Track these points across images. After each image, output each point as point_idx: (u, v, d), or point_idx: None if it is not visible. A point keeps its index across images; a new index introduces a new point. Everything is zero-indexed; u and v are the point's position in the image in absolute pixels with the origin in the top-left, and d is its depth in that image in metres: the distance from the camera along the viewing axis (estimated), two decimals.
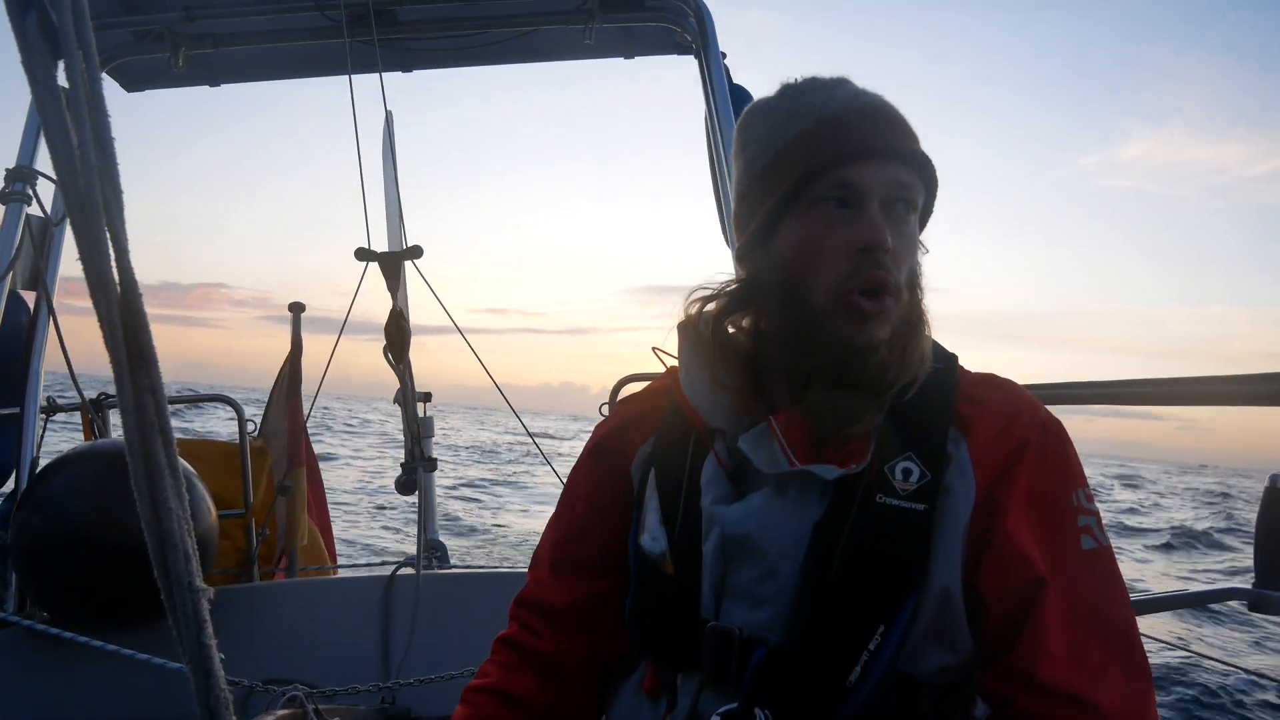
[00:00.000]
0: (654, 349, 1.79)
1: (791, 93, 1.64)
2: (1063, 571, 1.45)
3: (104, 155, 0.77)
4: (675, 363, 1.74)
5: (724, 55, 4.16)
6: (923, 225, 1.64)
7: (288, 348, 5.66)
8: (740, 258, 1.71)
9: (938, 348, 1.66)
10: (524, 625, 1.80)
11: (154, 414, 0.83)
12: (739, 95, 4.17)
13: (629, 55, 4.45)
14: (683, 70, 4.36)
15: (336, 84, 4.40)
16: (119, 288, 0.80)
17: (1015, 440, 1.51)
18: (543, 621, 1.78)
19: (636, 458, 1.78)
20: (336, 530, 7.14)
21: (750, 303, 1.68)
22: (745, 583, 1.53)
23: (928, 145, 1.62)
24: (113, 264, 0.79)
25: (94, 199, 0.76)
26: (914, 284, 1.59)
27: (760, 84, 1.73)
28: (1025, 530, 1.46)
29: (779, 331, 1.62)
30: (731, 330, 1.71)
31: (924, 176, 1.59)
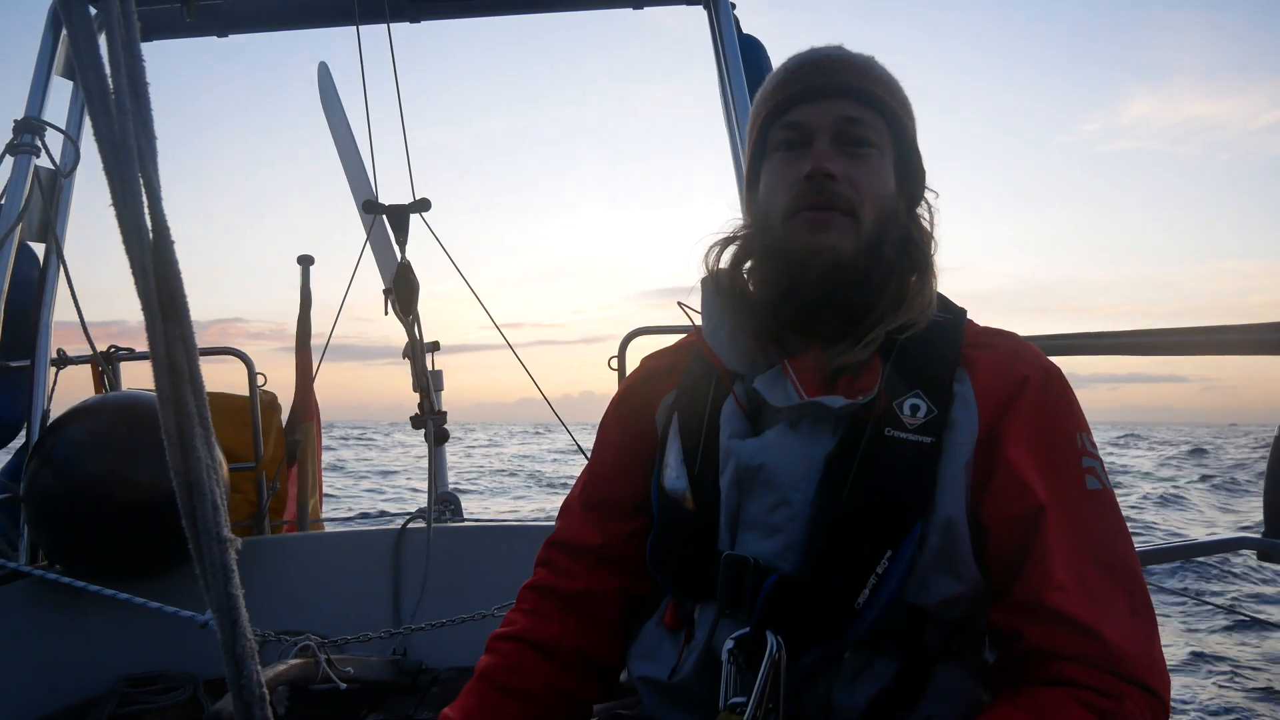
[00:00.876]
0: (679, 303, 1.86)
1: (789, 58, 1.77)
2: (1067, 506, 1.50)
3: (138, 100, 0.76)
4: (698, 319, 1.81)
5: (733, 5, 4.12)
6: (907, 164, 1.74)
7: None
8: (745, 207, 1.84)
9: (947, 301, 1.74)
10: (553, 567, 1.87)
11: (185, 363, 0.83)
12: (749, 45, 4.15)
13: (638, 5, 4.40)
14: (693, 19, 4.33)
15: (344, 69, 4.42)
16: (151, 235, 0.79)
17: (1017, 377, 1.58)
18: (574, 561, 1.85)
19: (660, 406, 1.86)
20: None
21: (754, 248, 1.76)
22: (758, 512, 1.58)
23: (928, 117, 1.67)
24: (145, 211, 0.78)
25: (129, 146, 0.75)
26: (896, 222, 1.68)
27: (771, 33, 1.77)
28: (1027, 461, 1.52)
29: (763, 270, 1.72)
30: (747, 277, 1.78)
31: (882, 112, 1.69)
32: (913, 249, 1.70)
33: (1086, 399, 1.68)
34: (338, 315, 4.82)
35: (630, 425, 1.91)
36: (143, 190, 0.78)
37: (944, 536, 1.51)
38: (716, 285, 1.77)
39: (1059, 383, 1.61)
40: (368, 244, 4.78)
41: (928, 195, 1.78)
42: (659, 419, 1.85)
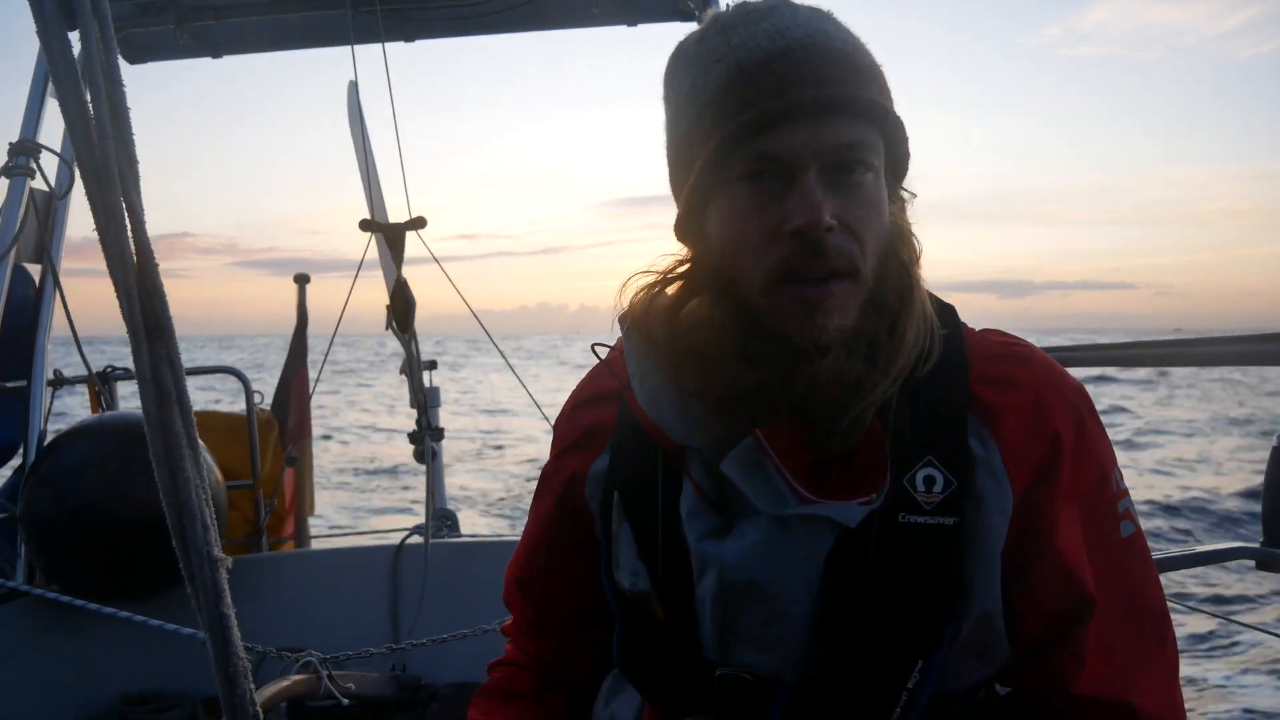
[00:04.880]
0: (593, 347, 1.53)
1: (714, 30, 1.32)
2: (1104, 568, 1.33)
3: (119, 125, 0.77)
4: (621, 359, 1.47)
5: None
6: (900, 173, 1.37)
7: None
8: (678, 233, 1.42)
9: (934, 302, 1.40)
10: (514, 642, 1.75)
11: (171, 385, 0.83)
12: None
13: (632, 23, 4.42)
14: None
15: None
16: (135, 258, 0.80)
17: (1051, 433, 1.32)
18: (521, 620, 1.71)
19: (589, 477, 1.54)
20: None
21: (700, 287, 1.38)
22: (751, 626, 1.34)
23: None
24: (129, 234, 0.79)
25: (110, 170, 0.76)
26: (893, 252, 1.33)
27: None
28: (1076, 544, 1.32)
29: (723, 329, 1.32)
30: (689, 320, 1.38)
31: (881, 123, 1.28)
32: (902, 272, 1.34)
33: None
34: (333, 336, 4.83)
35: (558, 510, 1.61)
36: (125, 214, 0.79)
37: (977, 630, 1.30)
38: (648, 335, 1.39)
39: (1091, 422, 1.37)
40: (376, 259, 4.78)
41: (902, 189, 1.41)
42: (590, 495, 1.53)
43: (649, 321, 1.39)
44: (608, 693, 1.60)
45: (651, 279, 1.43)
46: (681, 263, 1.42)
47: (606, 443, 1.52)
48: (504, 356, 5.11)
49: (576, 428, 1.61)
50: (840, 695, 1.29)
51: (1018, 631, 1.33)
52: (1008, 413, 1.32)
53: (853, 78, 1.25)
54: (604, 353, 1.54)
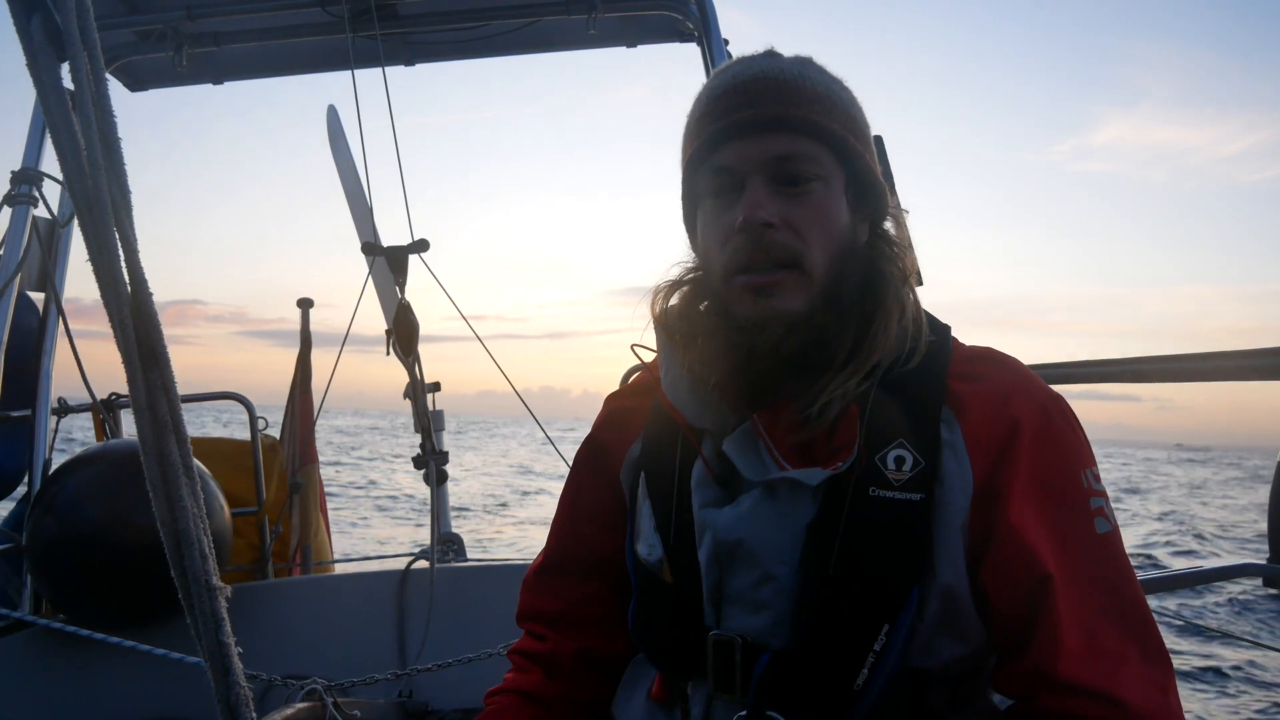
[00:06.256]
0: (633, 346, 1.72)
1: (713, 75, 1.60)
2: (1078, 560, 1.40)
3: (111, 155, 0.77)
4: (653, 358, 1.70)
5: (726, 42, 4.13)
6: (861, 184, 1.55)
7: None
8: (691, 244, 1.67)
9: (930, 320, 1.58)
10: (529, 632, 1.84)
11: (167, 413, 0.83)
12: None
13: (631, 44, 4.41)
14: (685, 56, 4.41)
15: (312, 84, 4.44)
16: (129, 287, 0.80)
17: (1009, 420, 1.44)
18: (541, 625, 1.81)
19: (625, 461, 1.74)
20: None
21: (705, 293, 1.61)
22: (742, 588, 1.48)
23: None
24: (122, 264, 0.79)
25: (102, 199, 0.76)
26: (856, 257, 1.53)
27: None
28: (1031, 522, 1.40)
29: (712, 342, 1.54)
30: (703, 319, 1.59)
31: (822, 138, 1.49)
32: (878, 280, 1.53)
33: None
34: (336, 362, 4.83)
35: (590, 487, 1.81)
36: (119, 244, 0.79)
37: (944, 602, 1.41)
38: (669, 333, 1.62)
39: (1059, 418, 1.47)
40: (369, 284, 4.77)
41: (893, 209, 1.61)
42: (624, 476, 1.73)
43: (667, 319, 1.63)
44: (626, 682, 1.73)
45: (672, 281, 1.66)
46: (691, 270, 1.66)
47: (640, 431, 1.73)
48: (544, 430, 5.04)
49: (612, 411, 1.84)
50: (814, 658, 1.41)
51: (988, 608, 1.43)
52: (973, 400, 1.47)
53: (791, 100, 1.48)
54: (641, 354, 1.73)
